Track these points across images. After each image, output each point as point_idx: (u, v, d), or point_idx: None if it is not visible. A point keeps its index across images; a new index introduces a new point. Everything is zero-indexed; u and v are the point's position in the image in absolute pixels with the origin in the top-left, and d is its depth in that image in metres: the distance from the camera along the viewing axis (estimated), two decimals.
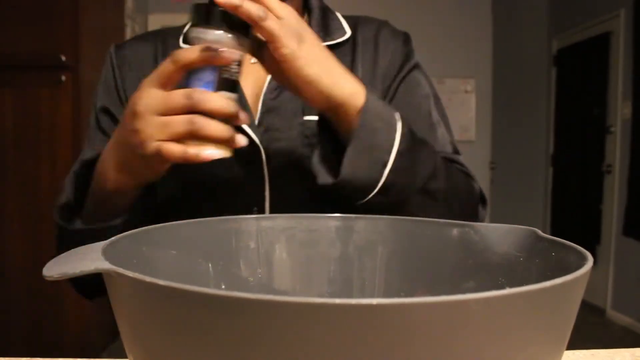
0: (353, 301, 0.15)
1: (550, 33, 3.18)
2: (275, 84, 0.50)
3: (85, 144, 0.53)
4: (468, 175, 0.50)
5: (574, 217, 2.91)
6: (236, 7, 0.34)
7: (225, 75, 0.36)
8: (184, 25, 0.56)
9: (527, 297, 0.17)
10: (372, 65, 0.53)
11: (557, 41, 3.12)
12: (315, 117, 0.49)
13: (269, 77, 0.50)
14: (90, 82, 1.68)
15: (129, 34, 2.15)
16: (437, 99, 0.55)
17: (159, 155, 0.35)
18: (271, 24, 0.35)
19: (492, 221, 0.48)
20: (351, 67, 0.52)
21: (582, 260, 0.23)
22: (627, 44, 2.46)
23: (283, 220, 0.35)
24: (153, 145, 0.35)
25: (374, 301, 0.15)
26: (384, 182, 0.39)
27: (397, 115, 0.41)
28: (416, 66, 0.54)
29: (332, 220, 0.36)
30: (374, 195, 0.40)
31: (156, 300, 0.18)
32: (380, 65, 0.53)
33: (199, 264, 0.32)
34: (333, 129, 0.42)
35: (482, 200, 0.52)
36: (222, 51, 0.34)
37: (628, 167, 2.44)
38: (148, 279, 0.18)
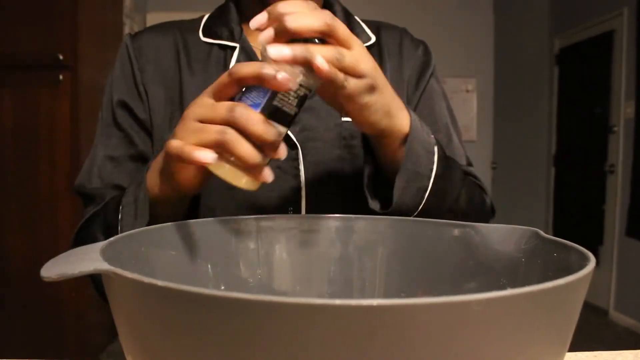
0: (353, 302, 0.15)
1: (552, 32, 3.17)
2: None
3: (98, 139, 0.52)
4: (482, 189, 0.51)
5: (576, 217, 2.90)
6: (305, 59, 0.31)
7: (277, 103, 0.32)
8: (201, 18, 0.55)
9: (528, 298, 0.17)
10: (398, 73, 0.53)
11: (559, 40, 3.11)
12: None
13: None
14: (89, 81, 1.68)
15: (127, 33, 2.16)
16: (449, 108, 0.56)
17: (179, 156, 0.33)
18: (351, 84, 0.33)
19: (493, 221, 0.48)
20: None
21: (584, 261, 0.22)
22: (630, 42, 2.45)
23: (283, 221, 0.35)
24: (191, 150, 0.33)
25: (375, 302, 0.15)
26: (421, 207, 0.40)
27: (433, 138, 0.42)
28: (433, 74, 0.56)
29: (332, 220, 0.36)
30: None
31: (155, 301, 0.18)
32: (404, 73, 0.54)
33: (198, 265, 0.32)
34: (372, 148, 0.42)
35: (492, 212, 0.53)
36: (278, 75, 0.31)
37: (631, 167, 2.43)
38: (147, 279, 0.18)
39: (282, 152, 0.33)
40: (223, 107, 0.32)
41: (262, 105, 0.32)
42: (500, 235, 0.31)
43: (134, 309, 0.19)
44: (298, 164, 0.48)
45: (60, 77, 1.56)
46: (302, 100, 0.33)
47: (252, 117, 0.31)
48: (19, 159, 1.59)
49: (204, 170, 0.34)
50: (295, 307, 0.16)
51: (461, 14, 2.76)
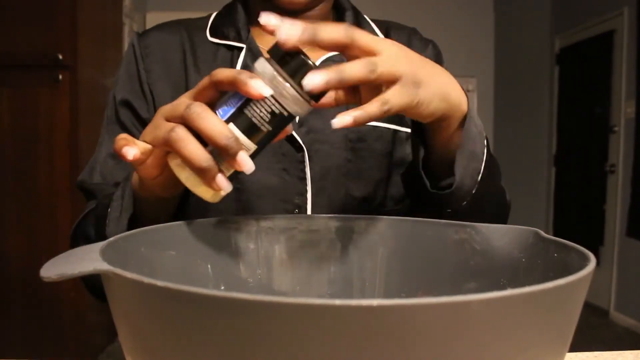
0: (353, 302, 0.15)
1: (552, 31, 3.17)
2: None
3: (102, 136, 0.52)
4: (503, 189, 0.51)
5: (577, 217, 2.90)
6: (340, 81, 0.29)
7: (247, 112, 0.29)
8: (209, 16, 0.55)
9: (529, 298, 0.17)
10: None
11: (559, 40, 3.11)
12: None
13: None
14: (89, 81, 1.68)
15: (126, 33, 2.16)
16: None
17: (118, 152, 0.31)
18: (395, 99, 0.31)
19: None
20: None
21: (585, 261, 0.22)
22: (631, 42, 2.45)
23: (283, 221, 0.35)
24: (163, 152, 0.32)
25: (375, 302, 0.15)
26: (475, 191, 0.39)
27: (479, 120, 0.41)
28: None
29: (332, 220, 0.36)
30: (460, 204, 0.39)
31: (155, 302, 0.18)
32: None
33: (198, 265, 0.32)
34: (425, 133, 0.40)
35: (509, 207, 0.52)
36: (251, 81, 0.29)
37: (632, 167, 2.43)
38: (146, 280, 0.18)
39: (245, 164, 0.30)
40: (182, 104, 0.31)
41: (231, 110, 0.30)
42: (500, 235, 0.31)
43: (133, 309, 0.19)
44: (304, 167, 0.47)
45: (60, 76, 1.56)
46: (279, 121, 0.30)
47: (205, 114, 0.29)
48: (18, 158, 1.59)
49: (166, 174, 0.33)
50: (295, 307, 0.16)
51: (461, 14, 2.76)
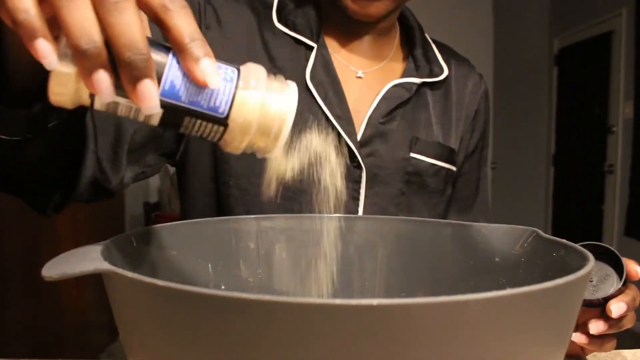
0: (353, 302, 0.15)
1: (551, 32, 3.17)
2: (386, 108, 0.48)
3: None
4: None
5: (575, 217, 2.90)
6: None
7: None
8: None
9: (528, 298, 0.17)
10: (461, 109, 0.53)
11: (558, 40, 3.11)
12: (422, 157, 0.49)
13: (378, 98, 0.48)
14: None
15: None
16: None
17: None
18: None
19: (493, 221, 0.48)
20: (446, 107, 0.52)
21: (583, 261, 0.23)
22: (629, 43, 2.45)
23: (283, 221, 0.35)
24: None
25: (374, 302, 0.15)
26: None
27: None
28: (489, 113, 0.56)
29: (332, 220, 0.36)
30: None
31: (155, 301, 0.18)
32: (465, 110, 0.53)
33: (198, 265, 0.32)
34: None
35: None
36: (207, 75, 0.20)
37: (630, 167, 2.43)
38: (147, 279, 0.18)
39: (147, 97, 0.19)
40: None
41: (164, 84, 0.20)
42: (499, 235, 0.31)
43: (134, 308, 0.19)
44: (359, 187, 0.47)
45: None
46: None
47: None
48: None
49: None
50: (295, 307, 0.16)
51: (460, 15, 2.76)
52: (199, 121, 0.22)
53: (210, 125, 0.22)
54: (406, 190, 0.48)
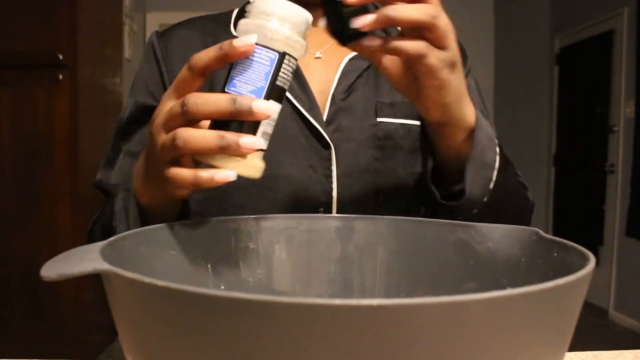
0: (353, 302, 0.15)
1: (552, 31, 3.17)
2: (348, 83, 0.49)
3: (118, 135, 0.50)
4: (524, 186, 0.50)
5: (577, 217, 2.90)
6: (389, 18, 0.30)
7: (279, 84, 0.29)
8: (230, 12, 0.53)
9: (528, 298, 0.17)
10: None
11: (559, 40, 3.11)
12: (390, 120, 0.49)
13: (337, 75, 0.49)
14: (89, 80, 1.68)
15: (126, 33, 2.16)
16: (485, 105, 0.55)
17: (171, 183, 0.30)
18: (434, 54, 0.31)
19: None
20: None
21: (584, 261, 0.22)
22: (630, 42, 2.45)
23: (283, 221, 0.35)
24: (165, 171, 0.30)
25: (374, 302, 0.15)
26: (486, 200, 0.39)
27: (490, 125, 0.41)
28: (470, 71, 0.55)
29: (332, 220, 0.36)
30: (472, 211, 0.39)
31: (155, 301, 0.18)
32: None
33: (198, 265, 0.32)
34: (433, 141, 0.41)
35: (533, 207, 0.52)
36: (233, 42, 0.27)
37: (631, 167, 2.43)
38: (147, 279, 0.18)
39: (261, 108, 0.27)
40: (177, 105, 0.29)
41: (265, 88, 0.28)
42: (500, 235, 0.31)
43: (133, 309, 0.19)
44: (330, 164, 0.47)
45: (60, 76, 1.56)
46: (277, 65, 0.28)
47: (202, 98, 0.28)
48: (17, 158, 1.58)
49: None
50: (295, 307, 0.16)
51: (461, 14, 2.75)
52: None
53: None
54: (379, 155, 0.48)
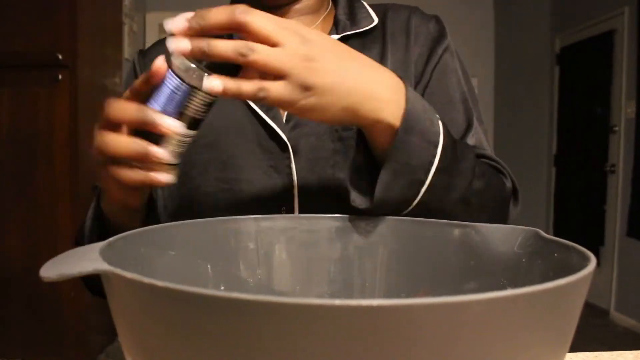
0: (353, 302, 0.15)
1: (553, 31, 3.16)
2: None
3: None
4: (500, 172, 0.47)
5: (577, 217, 2.90)
6: (203, 53, 0.30)
7: (166, 93, 0.31)
8: None
9: (529, 298, 0.17)
10: (404, 53, 0.51)
11: (560, 39, 3.11)
12: None
13: None
14: (88, 80, 1.68)
15: (126, 33, 2.16)
16: (469, 85, 0.53)
17: (111, 181, 0.34)
18: (272, 91, 0.30)
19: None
20: (381, 56, 0.51)
21: (585, 261, 0.22)
22: (631, 42, 2.45)
23: (283, 221, 0.35)
24: (102, 169, 0.34)
25: (375, 302, 0.15)
26: (420, 200, 0.37)
27: (440, 126, 0.37)
28: (447, 48, 0.52)
29: (332, 220, 0.36)
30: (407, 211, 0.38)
31: (154, 302, 0.18)
32: (412, 52, 0.51)
33: (197, 265, 0.32)
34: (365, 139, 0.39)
35: (515, 196, 0.48)
36: (152, 67, 0.31)
37: (632, 167, 2.43)
38: (146, 280, 0.18)
39: (165, 123, 0.31)
40: (107, 107, 0.33)
41: (173, 112, 0.31)
42: (500, 235, 0.30)
43: (133, 309, 0.19)
44: (290, 162, 0.47)
45: (60, 76, 1.56)
46: (183, 94, 0.31)
47: (117, 106, 0.32)
48: (17, 159, 1.58)
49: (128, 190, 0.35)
50: (295, 307, 0.15)
51: (461, 14, 2.76)
52: None
53: None
54: (340, 147, 0.48)
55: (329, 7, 0.55)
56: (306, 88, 0.31)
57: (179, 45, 0.30)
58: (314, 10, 0.53)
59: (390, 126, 0.35)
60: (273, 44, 0.30)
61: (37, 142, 1.58)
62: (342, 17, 0.52)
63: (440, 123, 0.38)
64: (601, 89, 2.69)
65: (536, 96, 3.26)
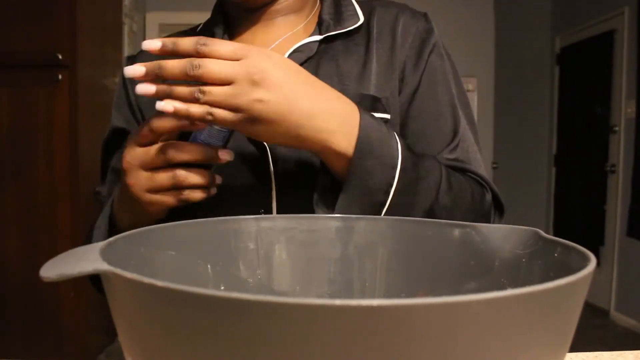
0: (353, 302, 0.15)
1: (553, 31, 3.17)
2: None
3: (106, 145, 0.55)
4: (480, 185, 0.48)
5: (577, 217, 2.90)
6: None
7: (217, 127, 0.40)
8: (198, 26, 0.55)
9: (529, 299, 0.17)
10: (389, 55, 0.50)
11: (560, 39, 3.11)
12: None
13: None
14: (88, 80, 1.68)
15: (126, 33, 2.16)
16: (459, 86, 0.52)
17: (155, 204, 0.40)
18: (220, 116, 0.36)
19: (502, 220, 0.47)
20: (365, 56, 0.50)
21: (585, 261, 0.22)
22: (631, 42, 2.45)
23: (283, 221, 0.35)
24: (146, 196, 0.40)
25: (375, 302, 0.15)
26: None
27: (399, 149, 0.39)
28: (435, 49, 0.51)
29: (332, 220, 0.36)
30: None
31: (154, 302, 0.18)
32: (398, 54, 0.50)
33: (197, 265, 0.32)
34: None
35: (499, 208, 0.49)
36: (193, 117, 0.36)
37: (632, 167, 2.43)
38: (146, 280, 0.18)
39: (224, 155, 0.40)
40: (157, 151, 0.38)
41: (206, 135, 0.41)
42: (501, 236, 0.31)
43: (133, 309, 0.19)
44: (268, 164, 0.47)
45: (59, 76, 1.56)
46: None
47: (183, 148, 0.38)
48: (17, 159, 1.58)
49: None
50: (295, 307, 0.15)
51: (461, 14, 2.76)
52: None
53: None
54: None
55: (316, 6, 0.54)
56: (253, 121, 0.35)
57: (134, 67, 0.35)
58: (296, 10, 0.52)
59: (341, 154, 0.38)
60: (227, 84, 0.35)
61: (37, 142, 1.58)
62: (327, 16, 0.51)
63: (399, 146, 0.39)
64: (601, 89, 2.69)
65: (536, 96, 3.26)
